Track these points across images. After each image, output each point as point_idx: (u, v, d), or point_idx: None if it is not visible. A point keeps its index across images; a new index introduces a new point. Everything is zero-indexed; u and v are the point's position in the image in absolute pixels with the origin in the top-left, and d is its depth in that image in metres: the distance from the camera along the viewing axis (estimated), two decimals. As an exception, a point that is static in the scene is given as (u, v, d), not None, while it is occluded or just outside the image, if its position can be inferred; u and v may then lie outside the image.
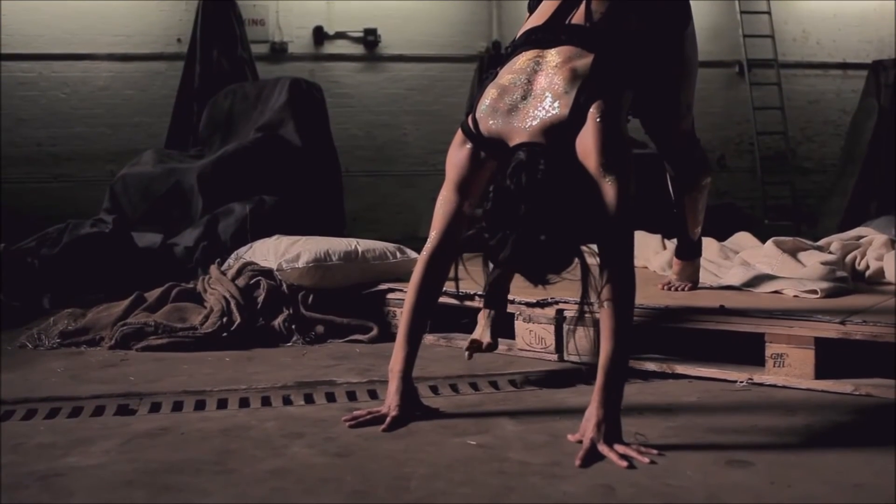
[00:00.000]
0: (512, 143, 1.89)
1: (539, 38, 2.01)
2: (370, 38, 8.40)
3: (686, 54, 2.36)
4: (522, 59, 1.99)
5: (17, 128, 7.62)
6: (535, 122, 1.87)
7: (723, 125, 9.13)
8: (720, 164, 9.13)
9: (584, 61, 1.91)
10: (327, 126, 5.41)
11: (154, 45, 7.94)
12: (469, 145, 2.00)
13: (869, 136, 6.46)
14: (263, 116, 5.20)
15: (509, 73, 1.99)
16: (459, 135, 2.03)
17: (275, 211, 4.49)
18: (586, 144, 1.81)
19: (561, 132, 1.84)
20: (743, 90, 9.05)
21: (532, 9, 2.20)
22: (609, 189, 1.76)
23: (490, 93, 1.98)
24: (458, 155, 2.01)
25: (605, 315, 1.77)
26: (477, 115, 1.98)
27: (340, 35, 8.38)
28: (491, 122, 1.95)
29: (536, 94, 1.91)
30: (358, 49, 8.43)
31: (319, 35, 8.31)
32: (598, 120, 1.80)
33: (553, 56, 1.95)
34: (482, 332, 2.41)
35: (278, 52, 8.18)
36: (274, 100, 5.28)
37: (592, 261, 1.77)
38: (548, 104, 1.87)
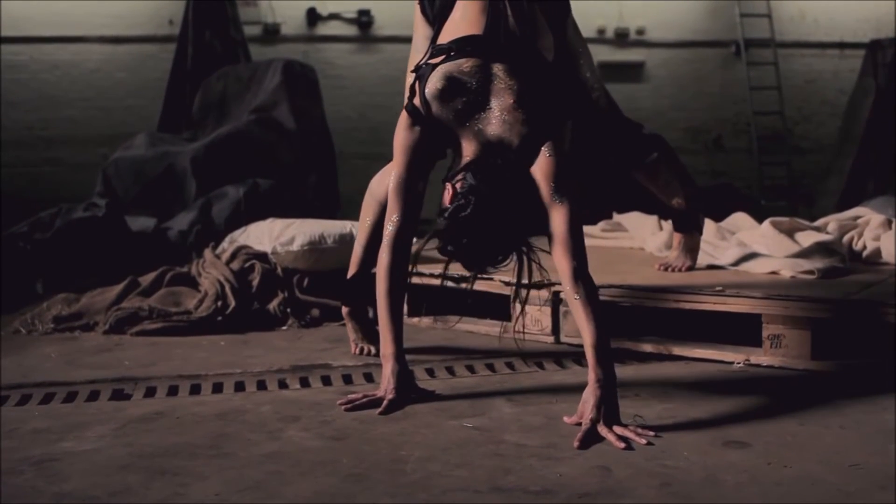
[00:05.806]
0: (464, 141, 2.01)
1: (483, 51, 2.04)
2: (364, 19, 8.33)
3: (570, 39, 2.41)
4: (468, 64, 2.04)
5: (8, 111, 7.56)
6: (488, 136, 1.99)
7: (719, 105, 9.10)
8: (717, 145, 9.10)
9: (534, 94, 2.01)
10: (321, 108, 5.38)
11: (145, 26, 7.87)
12: (418, 128, 2.06)
13: (866, 115, 6.44)
14: (257, 99, 5.16)
15: (457, 71, 2.03)
16: (407, 118, 2.07)
17: (269, 194, 4.46)
18: (537, 175, 1.96)
19: (509, 153, 1.98)
20: (740, 70, 9.01)
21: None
22: (561, 210, 1.94)
23: (439, 83, 2.02)
24: (410, 137, 2.07)
25: (577, 307, 1.91)
26: (428, 99, 2.03)
27: (334, 16, 8.32)
28: (442, 112, 2.03)
29: (491, 110, 2.01)
30: (351, 30, 8.37)
31: (313, 16, 8.24)
32: (548, 156, 1.97)
33: (500, 72, 2.02)
34: (359, 336, 2.58)
35: (271, 33, 8.11)
36: (267, 82, 5.24)
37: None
38: (502, 129, 1.99)
